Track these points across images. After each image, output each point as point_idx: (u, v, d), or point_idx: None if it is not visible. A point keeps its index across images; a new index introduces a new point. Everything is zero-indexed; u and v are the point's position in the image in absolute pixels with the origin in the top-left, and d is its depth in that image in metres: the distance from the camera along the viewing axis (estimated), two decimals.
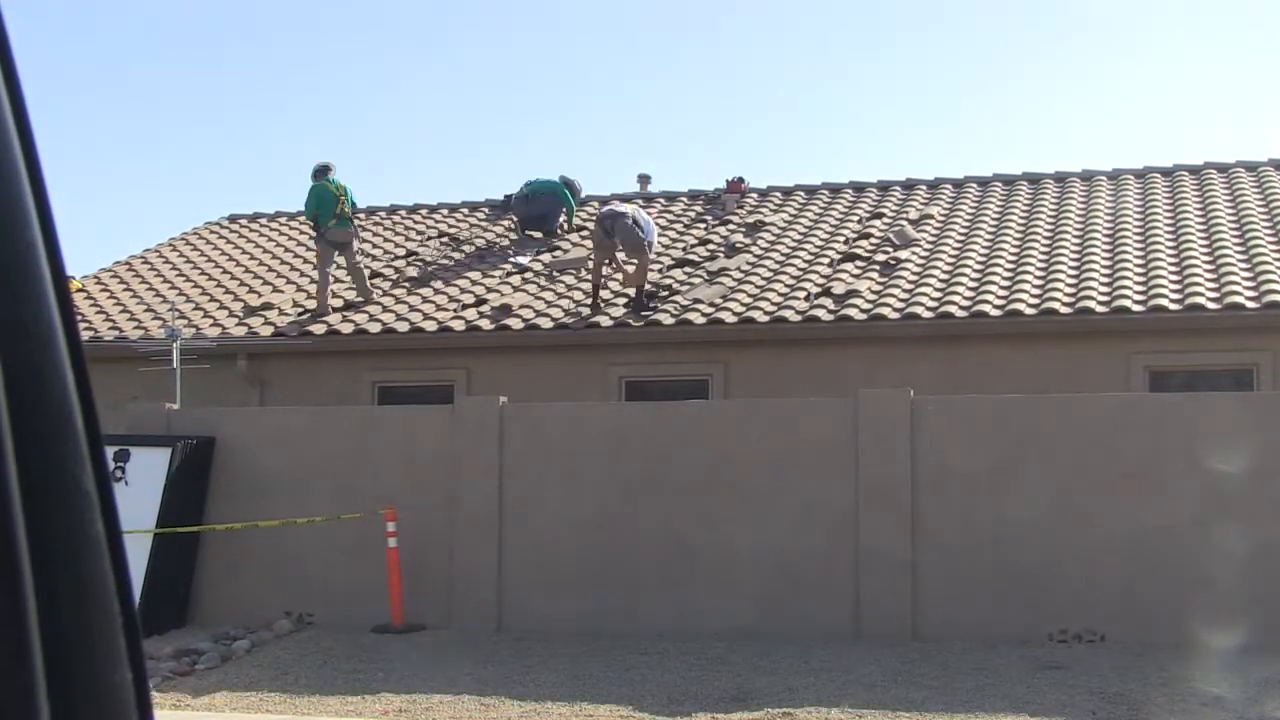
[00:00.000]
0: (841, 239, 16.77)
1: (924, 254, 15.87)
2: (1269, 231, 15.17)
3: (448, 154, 48.59)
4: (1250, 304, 13.13)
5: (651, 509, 11.38)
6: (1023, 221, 16.80)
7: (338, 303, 16.15)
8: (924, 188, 18.90)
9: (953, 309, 13.91)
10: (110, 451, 11.83)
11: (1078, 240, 15.72)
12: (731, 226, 17.99)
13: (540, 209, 18.15)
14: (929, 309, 14.01)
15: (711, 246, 17.11)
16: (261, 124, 46.65)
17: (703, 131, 47.31)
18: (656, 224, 18.54)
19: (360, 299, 16.13)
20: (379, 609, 11.46)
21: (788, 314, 14.29)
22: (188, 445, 12.13)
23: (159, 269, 18.71)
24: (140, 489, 11.74)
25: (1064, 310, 13.54)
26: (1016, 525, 10.70)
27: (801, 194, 19.27)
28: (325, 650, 10.64)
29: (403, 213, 20.61)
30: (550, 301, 15.60)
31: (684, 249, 17.10)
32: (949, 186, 18.87)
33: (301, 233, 20.11)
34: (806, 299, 14.60)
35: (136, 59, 46.06)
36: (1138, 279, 14.12)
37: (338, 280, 16.35)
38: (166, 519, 11.76)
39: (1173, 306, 13.34)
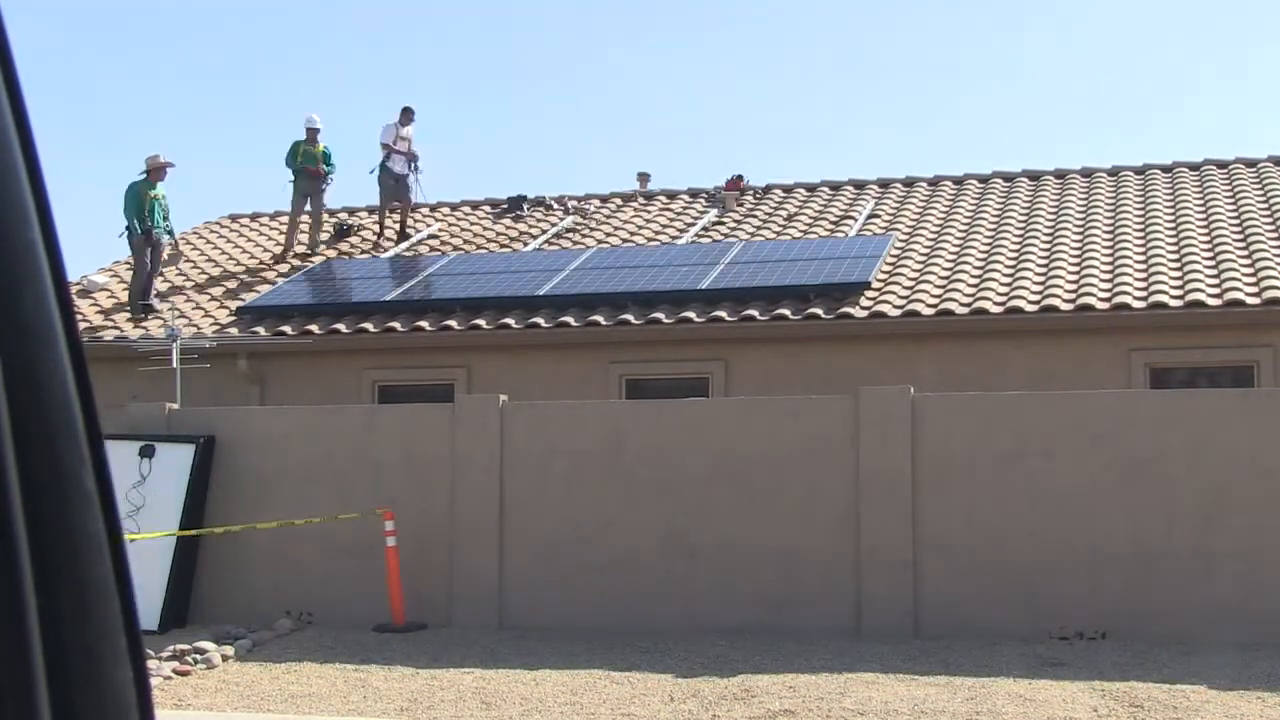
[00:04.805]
0: (840, 237, 16.75)
1: (924, 251, 15.86)
2: (1269, 227, 15.16)
3: (446, 154, 48.51)
4: (1251, 300, 13.13)
5: (652, 507, 11.38)
6: (1023, 219, 16.79)
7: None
8: (924, 184, 18.89)
9: (953, 306, 13.90)
10: (135, 448, 12.01)
11: (1078, 237, 15.71)
12: (731, 224, 17.98)
13: None
14: (929, 306, 14.00)
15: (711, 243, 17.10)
16: (261, 124, 46.68)
17: (703, 131, 47.32)
18: (655, 221, 18.58)
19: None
20: (380, 608, 11.46)
21: (787, 311, 14.28)
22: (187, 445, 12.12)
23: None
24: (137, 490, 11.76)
25: (1065, 307, 13.54)
26: (1018, 522, 10.70)
27: (802, 191, 19.26)
28: (326, 649, 10.64)
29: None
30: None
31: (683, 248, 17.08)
32: (949, 183, 18.86)
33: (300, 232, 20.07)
34: (804, 297, 14.58)
35: (137, 57, 46.08)
36: (1138, 275, 14.12)
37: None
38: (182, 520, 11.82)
39: (1173, 303, 13.34)
